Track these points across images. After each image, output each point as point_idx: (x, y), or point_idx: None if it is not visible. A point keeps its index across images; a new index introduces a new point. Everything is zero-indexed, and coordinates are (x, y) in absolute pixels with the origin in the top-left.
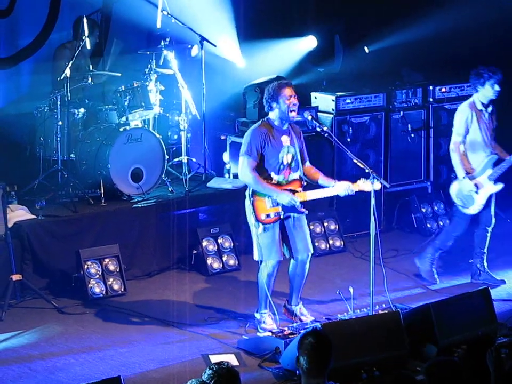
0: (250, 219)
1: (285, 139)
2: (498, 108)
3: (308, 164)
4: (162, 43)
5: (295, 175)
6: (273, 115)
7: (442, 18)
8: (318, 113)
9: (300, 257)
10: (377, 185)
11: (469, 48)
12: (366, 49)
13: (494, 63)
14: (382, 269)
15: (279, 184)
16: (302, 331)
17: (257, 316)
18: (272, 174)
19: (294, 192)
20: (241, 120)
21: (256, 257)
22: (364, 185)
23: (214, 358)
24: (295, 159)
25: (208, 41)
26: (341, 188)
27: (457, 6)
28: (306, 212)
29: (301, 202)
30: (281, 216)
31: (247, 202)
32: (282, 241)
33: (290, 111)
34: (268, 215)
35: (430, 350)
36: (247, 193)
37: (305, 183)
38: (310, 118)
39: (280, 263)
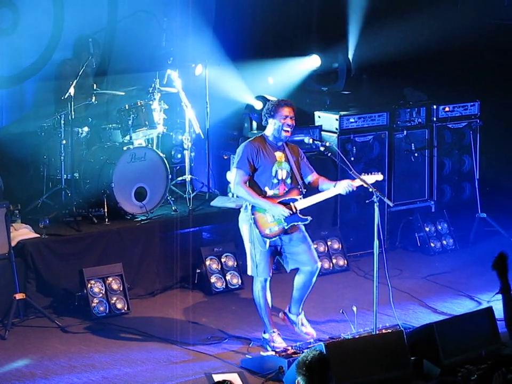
0: (252, 234)
1: (278, 155)
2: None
3: (314, 174)
4: (166, 62)
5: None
6: (269, 131)
7: (445, 37)
8: (322, 133)
9: (306, 269)
10: (379, 176)
11: (471, 67)
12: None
13: (497, 81)
14: (388, 287)
15: (276, 196)
16: (305, 350)
17: (266, 336)
18: (266, 189)
19: (294, 200)
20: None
21: (249, 272)
22: (365, 178)
23: (217, 377)
24: (289, 176)
25: (212, 60)
26: (341, 187)
27: (459, 24)
28: (310, 218)
29: (304, 209)
30: (285, 227)
31: (245, 217)
32: (284, 256)
33: (284, 131)
34: (271, 229)
35: (429, 368)
36: (242, 210)
37: (305, 190)
38: (311, 141)
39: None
